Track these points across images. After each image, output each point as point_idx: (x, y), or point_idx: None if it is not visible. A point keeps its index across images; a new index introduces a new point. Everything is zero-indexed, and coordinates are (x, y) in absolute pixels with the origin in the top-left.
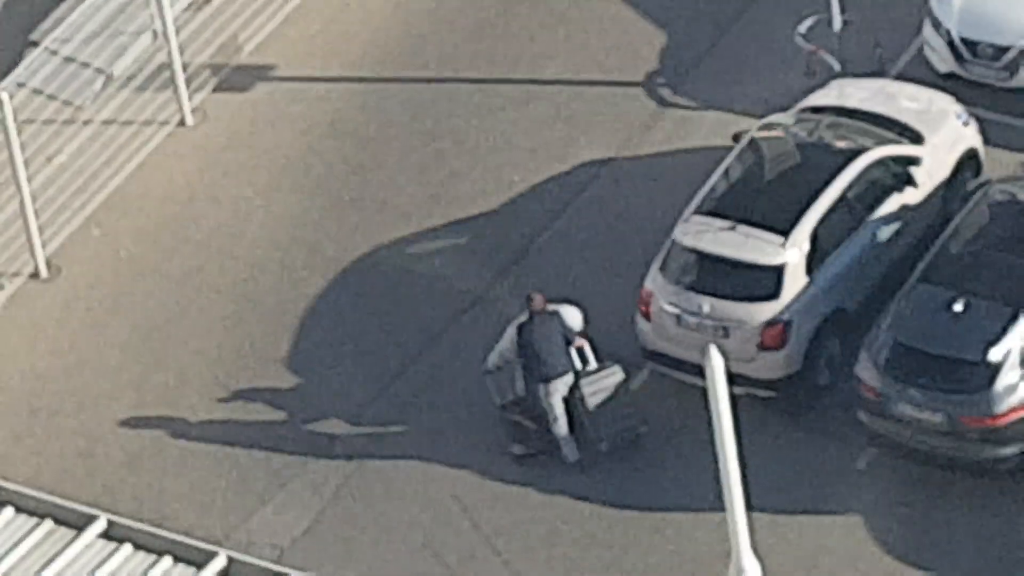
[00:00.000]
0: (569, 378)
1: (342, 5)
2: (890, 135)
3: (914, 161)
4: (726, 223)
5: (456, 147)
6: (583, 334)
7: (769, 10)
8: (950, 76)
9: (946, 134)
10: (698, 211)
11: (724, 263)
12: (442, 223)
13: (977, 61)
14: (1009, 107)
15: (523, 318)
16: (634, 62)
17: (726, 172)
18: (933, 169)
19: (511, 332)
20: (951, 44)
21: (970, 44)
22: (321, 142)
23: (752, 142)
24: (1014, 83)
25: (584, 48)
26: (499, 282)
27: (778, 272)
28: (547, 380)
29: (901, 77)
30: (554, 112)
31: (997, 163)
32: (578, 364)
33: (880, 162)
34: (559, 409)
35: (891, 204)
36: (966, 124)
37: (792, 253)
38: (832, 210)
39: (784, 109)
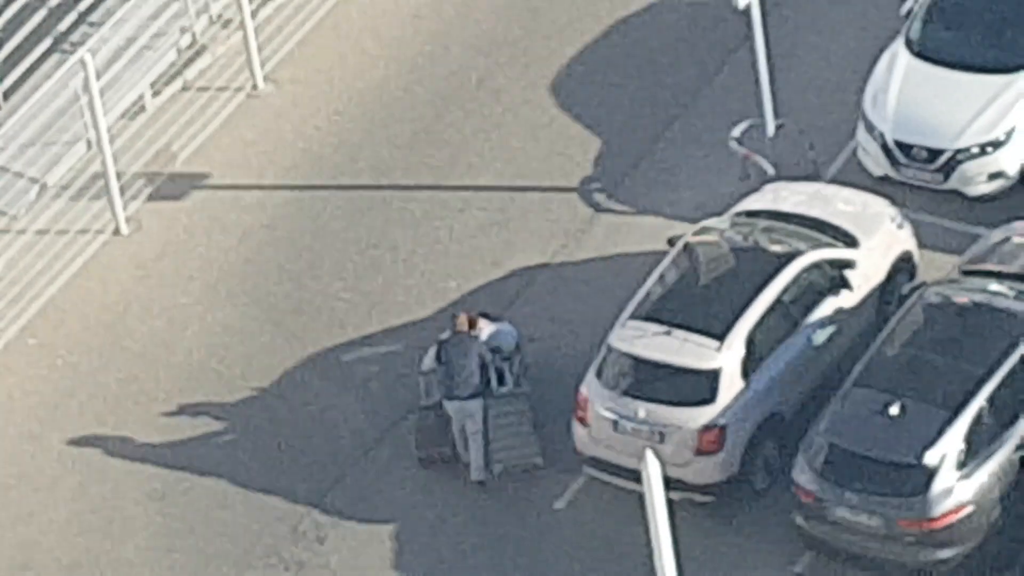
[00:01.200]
0: (478, 402)
1: (275, 113)
2: (825, 238)
3: (849, 264)
4: (661, 328)
5: (391, 254)
6: (508, 356)
7: (703, 115)
8: (884, 179)
9: (881, 237)
10: (633, 316)
11: (660, 368)
12: (378, 330)
13: (911, 164)
14: (943, 209)
15: (446, 335)
16: (569, 168)
17: (661, 277)
18: (868, 272)
19: (433, 347)
20: (885, 147)
21: (904, 147)
22: (256, 250)
23: (687, 247)
24: (948, 185)
25: (519, 154)
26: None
27: (714, 376)
28: (453, 399)
29: (835, 181)
30: (489, 219)
31: (932, 266)
32: (495, 384)
33: (815, 266)
34: (466, 428)
35: (826, 307)
36: (901, 227)
37: (728, 357)
38: (767, 314)
39: (719, 214)
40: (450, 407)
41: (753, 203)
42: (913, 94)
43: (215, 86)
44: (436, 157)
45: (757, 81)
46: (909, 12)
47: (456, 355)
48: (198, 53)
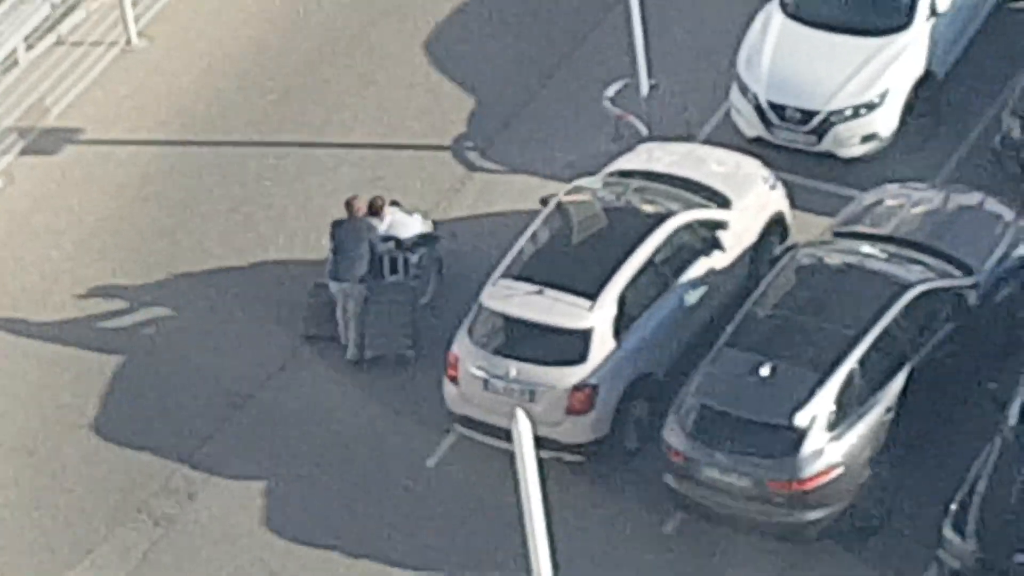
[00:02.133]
0: (362, 286)
1: (150, 69)
2: (698, 199)
3: (721, 225)
4: (533, 287)
5: (264, 211)
6: (409, 247)
7: (577, 75)
8: (757, 140)
9: (753, 198)
10: (505, 275)
11: (531, 327)
12: (252, 289)
13: (784, 125)
14: (816, 171)
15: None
16: (442, 126)
17: (533, 236)
18: (740, 233)
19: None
20: (759, 109)
21: (777, 109)
22: (129, 205)
23: (560, 206)
24: (821, 147)
25: (392, 112)
26: (308, 343)
27: (585, 336)
28: (338, 280)
29: (709, 141)
30: (363, 176)
31: (804, 227)
32: (387, 272)
33: (688, 226)
34: (347, 309)
35: (698, 268)
36: (773, 188)
37: (599, 317)
38: (639, 274)
39: (592, 173)
40: (333, 287)
41: (626, 163)
42: (787, 56)
43: (89, 41)
44: (310, 114)
45: (631, 41)
46: None
47: (346, 238)
48: (72, 8)
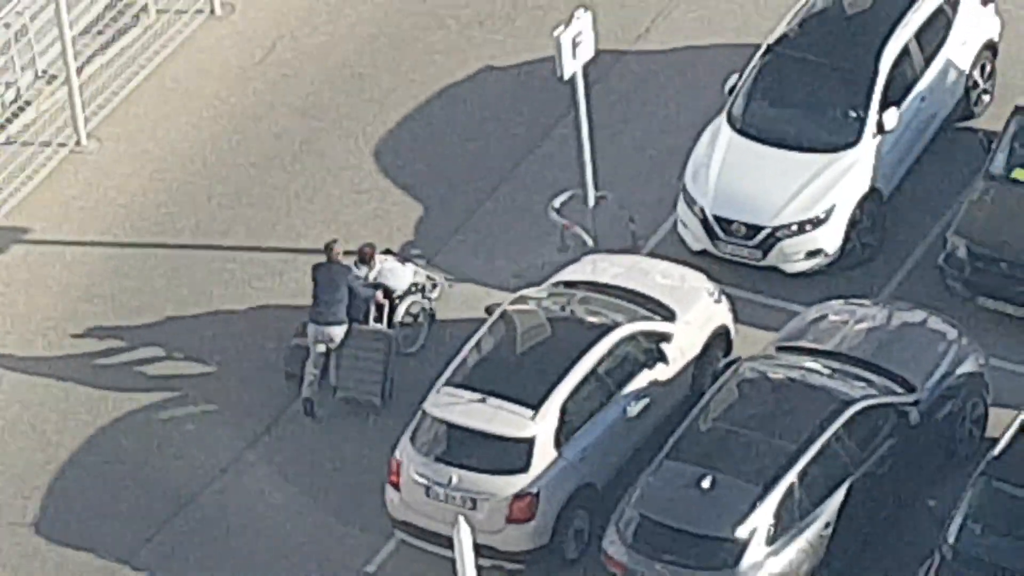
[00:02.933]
0: (338, 329)
1: (99, 170)
2: (642, 311)
3: (665, 337)
4: (476, 395)
5: (211, 315)
6: (399, 296)
7: (525, 185)
8: (703, 254)
9: (698, 311)
10: (449, 383)
11: (473, 435)
12: (197, 391)
13: (730, 239)
14: (761, 286)
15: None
16: (389, 233)
17: (478, 345)
18: (684, 346)
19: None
20: (705, 222)
21: (724, 223)
22: (76, 306)
23: (504, 315)
24: (766, 262)
25: (340, 218)
26: (250, 449)
27: (527, 445)
28: (315, 321)
29: (654, 254)
30: (309, 281)
31: (748, 341)
32: (372, 317)
33: (631, 338)
34: (316, 350)
35: (642, 380)
36: (718, 302)
37: (541, 426)
38: (582, 384)
39: (538, 283)
40: (309, 328)
41: (572, 274)
42: (734, 170)
43: (39, 141)
44: (258, 218)
45: (579, 152)
46: (733, 88)
47: (323, 281)
48: (22, 108)
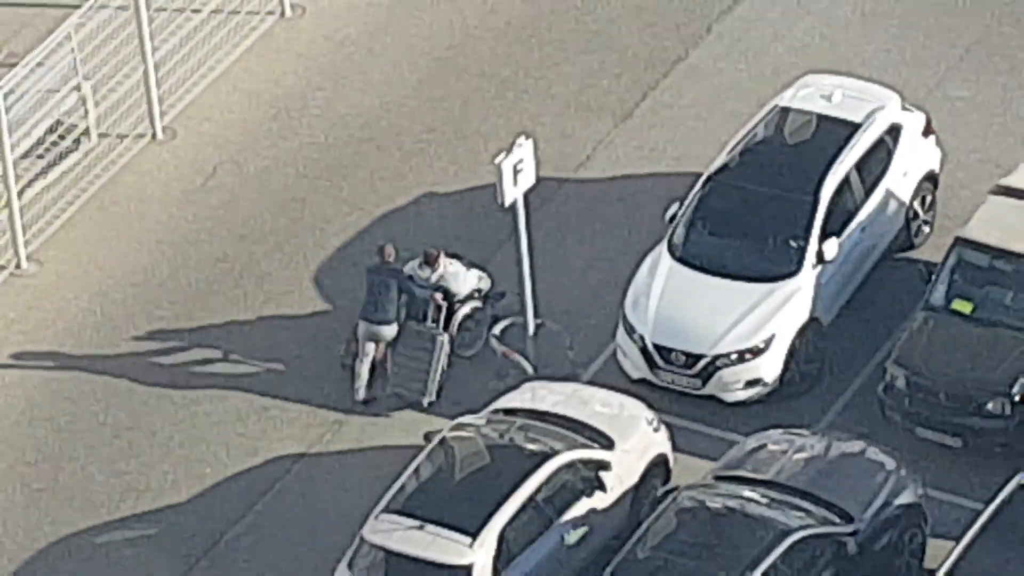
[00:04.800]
0: (387, 329)
1: (39, 293)
2: (581, 439)
3: (604, 466)
4: (415, 522)
5: (148, 439)
6: (460, 300)
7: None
8: (642, 382)
9: (637, 440)
10: (387, 509)
11: (412, 562)
12: (133, 514)
13: (669, 368)
14: (700, 415)
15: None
16: (328, 358)
17: (416, 471)
18: (623, 474)
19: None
20: (644, 350)
21: (663, 351)
22: (13, 429)
23: (443, 442)
24: (706, 391)
25: (281, 342)
26: (190, 574)
27: (465, 572)
28: (365, 319)
29: (594, 382)
30: (249, 406)
31: (687, 470)
32: (430, 318)
33: (570, 466)
34: (364, 348)
35: (580, 508)
36: (657, 430)
37: (479, 554)
38: (521, 512)
39: (477, 410)
40: (359, 326)
41: (511, 401)
42: (674, 299)
43: None
44: (198, 342)
45: (519, 279)
46: (673, 217)
47: (374, 281)
48: None
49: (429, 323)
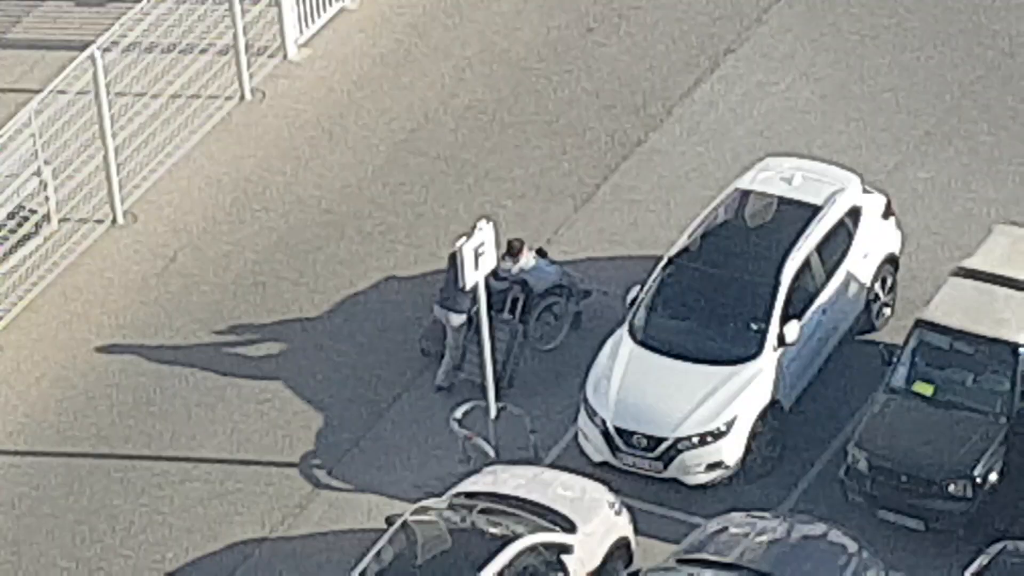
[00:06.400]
0: (456, 316)
1: None
2: (543, 523)
3: (566, 549)
4: None
5: (109, 523)
6: (539, 293)
7: (425, 396)
8: (604, 465)
9: (598, 523)
10: None
11: None
12: None
13: (631, 451)
14: (662, 497)
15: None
16: (290, 443)
17: (378, 555)
18: (585, 558)
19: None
20: (605, 434)
21: (624, 434)
22: None
23: (405, 526)
24: (667, 474)
25: (241, 427)
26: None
27: None
28: (441, 305)
29: (555, 465)
30: (209, 491)
31: (649, 553)
32: (507, 308)
33: (532, 549)
34: (448, 336)
35: None
36: (619, 513)
37: None
38: None
39: (439, 494)
40: (436, 311)
41: (473, 485)
42: (635, 382)
43: None
44: (158, 427)
45: (481, 363)
46: (634, 300)
47: (452, 269)
48: None
49: (506, 314)
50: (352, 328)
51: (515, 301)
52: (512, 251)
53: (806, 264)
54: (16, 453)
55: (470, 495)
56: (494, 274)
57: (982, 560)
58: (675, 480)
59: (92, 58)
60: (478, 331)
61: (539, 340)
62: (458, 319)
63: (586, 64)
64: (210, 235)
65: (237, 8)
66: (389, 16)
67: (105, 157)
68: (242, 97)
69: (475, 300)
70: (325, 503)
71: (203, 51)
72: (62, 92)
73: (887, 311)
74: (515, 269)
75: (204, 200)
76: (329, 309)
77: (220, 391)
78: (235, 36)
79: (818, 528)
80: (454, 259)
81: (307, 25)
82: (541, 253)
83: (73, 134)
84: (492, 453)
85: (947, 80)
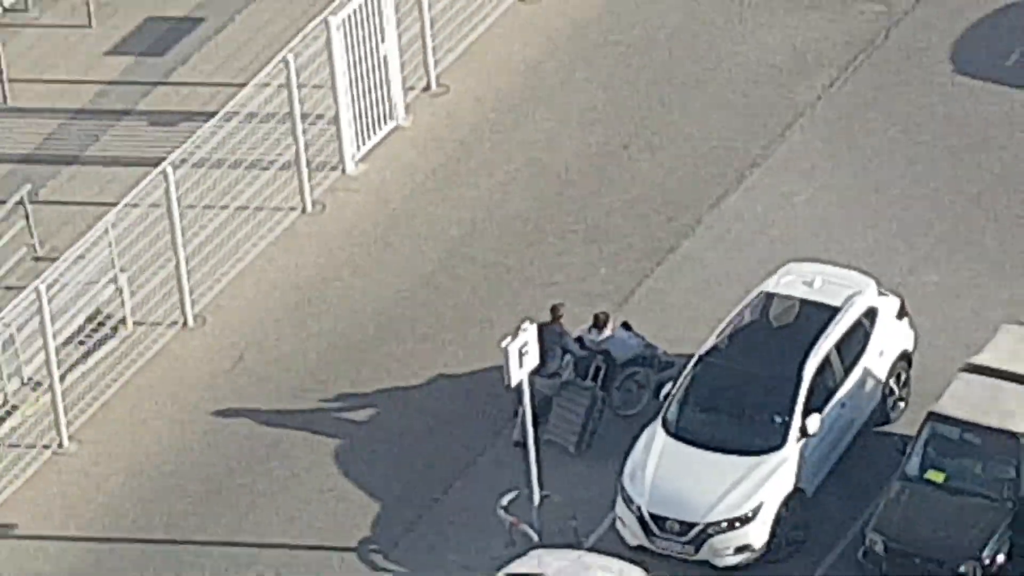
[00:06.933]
0: (540, 380)
1: (79, 470)
2: None
3: None
4: None
5: None
6: (620, 364)
7: (474, 485)
8: (640, 549)
9: None
10: None
11: None
12: None
13: (664, 535)
14: None
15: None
16: (348, 530)
17: None
18: None
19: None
20: (641, 519)
21: (659, 520)
22: None
23: None
24: (699, 556)
25: (303, 516)
26: None
27: None
28: (535, 373)
29: (595, 549)
30: (275, 574)
31: None
32: (591, 376)
33: None
34: (527, 397)
35: None
36: None
37: None
38: None
39: None
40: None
41: (518, 567)
42: (668, 471)
43: (24, 443)
44: (227, 515)
45: (525, 454)
46: (667, 395)
47: (545, 339)
48: (9, 412)
49: (588, 381)
50: (406, 423)
51: (598, 369)
52: (598, 323)
53: (826, 361)
54: (94, 540)
55: None
56: (580, 343)
57: None
58: (706, 562)
59: (164, 174)
60: (563, 395)
61: (621, 407)
62: (543, 382)
63: (622, 177)
64: (274, 336)
65: (298, 126)
66: (440, 133)
67: (177, 265)
68: (304, 209)
69: (578, 365)
70: None
71: (266, 167)
72: (136, 205)
73: (902, 404)
74: (599, 339)
75: (269, 304)
76: (385, 405)
77: (284, 481)
78: (296, 152)
79: None
80: (542, 328)
81: (363, 142)
82: (626, 326)
83: (147, 243)
84: (536, 537)
85: (957, 190)
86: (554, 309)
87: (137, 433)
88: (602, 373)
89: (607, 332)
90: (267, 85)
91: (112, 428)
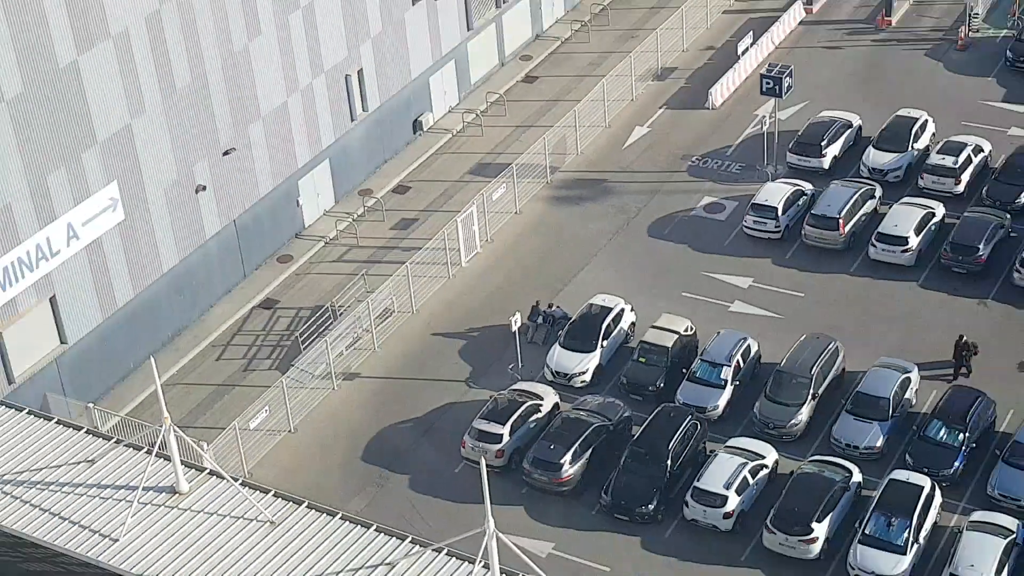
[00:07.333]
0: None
1: None
2: None
3: None
4: None
5: None
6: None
7: None
8: None
9: None
10: None
11: None
12: None
13: None
14: None
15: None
16: None
17: None
18: None
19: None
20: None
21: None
22: None
23: None
24: None
25: None
26: None
27: None
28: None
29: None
30: None
31: None
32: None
33: None
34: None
35: None
36: None
37: None
38: None
39: None
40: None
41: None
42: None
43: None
44: None
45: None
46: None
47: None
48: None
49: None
50: None
51: (554, 320)
52: (549, 305)
53: None
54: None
55: None
56: (542, 313)
57: None
58: None
59: None
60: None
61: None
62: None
63: None
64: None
65: None
66: None
67: None
68: None
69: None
70: None
71: None
72: None
73: None
74: (550, 311)
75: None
76: None
77: None
78: None
79: None
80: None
81: None
82: (558, 307)
83: None
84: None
85: None
86: (536, 304)
87: None
88: (550, 320)
89: (554, 308)
90: None
91: None
